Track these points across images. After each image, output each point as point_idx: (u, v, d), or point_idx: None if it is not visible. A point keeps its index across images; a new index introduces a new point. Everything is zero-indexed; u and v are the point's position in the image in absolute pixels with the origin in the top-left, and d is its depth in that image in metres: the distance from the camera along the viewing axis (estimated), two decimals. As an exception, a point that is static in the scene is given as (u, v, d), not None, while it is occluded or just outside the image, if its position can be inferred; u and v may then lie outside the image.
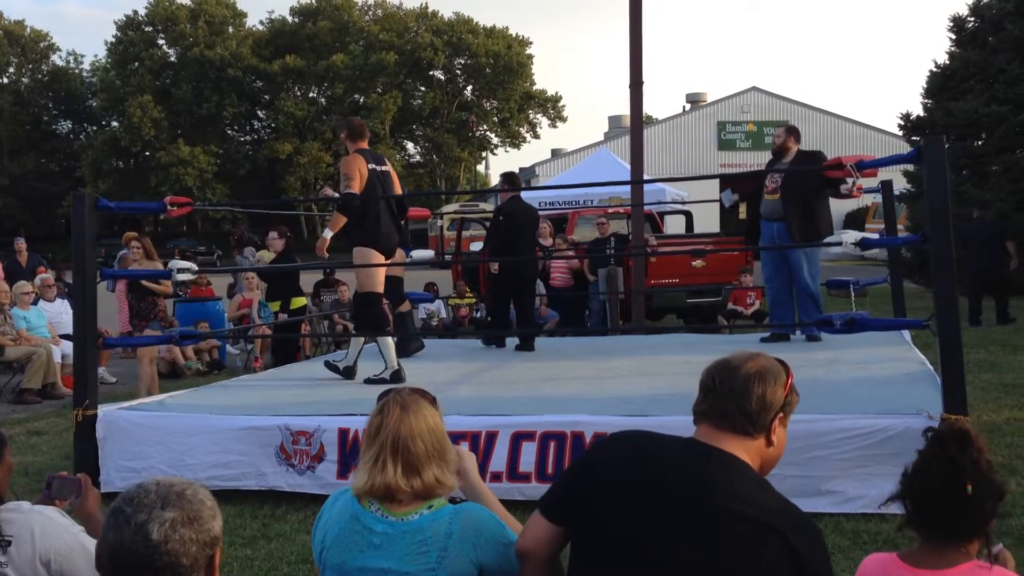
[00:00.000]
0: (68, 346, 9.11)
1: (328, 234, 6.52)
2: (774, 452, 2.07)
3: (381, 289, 6.71)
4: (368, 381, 6.47)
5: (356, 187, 6.36)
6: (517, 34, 59.39)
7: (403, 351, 8.04)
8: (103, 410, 5.41)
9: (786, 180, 7.60)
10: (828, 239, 5.55)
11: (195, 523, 1.59)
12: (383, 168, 6.71)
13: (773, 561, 1.82)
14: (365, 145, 6.71)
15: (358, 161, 6.44)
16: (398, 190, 6.96)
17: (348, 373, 6.68)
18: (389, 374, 6.44)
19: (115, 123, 56.46)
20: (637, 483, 1.97)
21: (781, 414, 2.05)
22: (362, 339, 6.75)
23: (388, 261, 6.84)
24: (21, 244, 12.63)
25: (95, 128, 58.92)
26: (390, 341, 6.59)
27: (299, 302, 10.55)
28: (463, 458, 2.46)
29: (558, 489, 2.14)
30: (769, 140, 44.27)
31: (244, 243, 14.21)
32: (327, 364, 6.86)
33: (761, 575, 1.84)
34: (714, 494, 1.89)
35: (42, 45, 59.82)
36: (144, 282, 8.51)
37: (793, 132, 7.95)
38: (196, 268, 6.09)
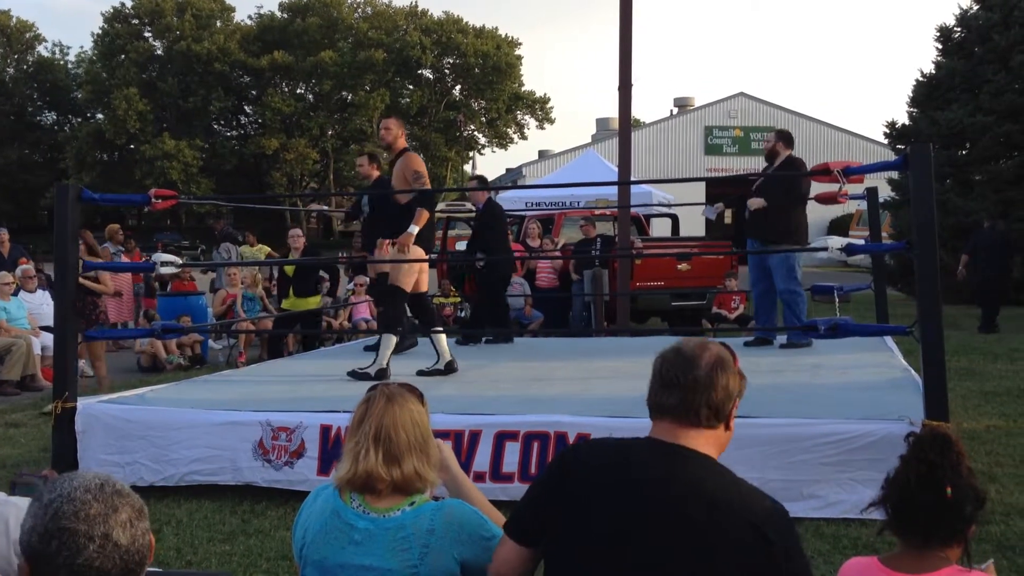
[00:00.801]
0: (48, 338, 9.04)
1: (415, 229, 6.50)
2: (729, 436, 2.08)
3: (409, 288, 6.76)
4: (351, 374, 6.47)
5: (428, 183, 6.53)
6: (506, 35, 59.43)
7: (397, 347, 8.06)
8: (82, 403, 5.36)
9: (761, 185, 7.65)
10: (814, 244, 5.56)
11: (141, 514, 1.57)
12: None
13: (750, 555, 1.83)
14: None
15: (421, 160, 6.61)
16: None
17: (381, 375, 6.47)
18: (375, 371, 6.42)
19: (100, 115, 56.05)
20: (618, 492, 1.95)
21: (737, 399, 2.05)
22: (393, 339, 6.64)
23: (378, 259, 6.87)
24: (3, 235, 12.49)
25: (80, 120, 58.51)
26: (392, 341, 6.60)
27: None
28: (440, 449, 2.45)
29: (525, 511, 2.10)
30: (756, 145, 44.13)
31: (223, 238, 14.12)
32: (352, 373, 6.53)
33: (739, 569, 1.84)
34: (696, 497, 1.88)
35: (27, 36, 59.36)
36: (81, 280, 7.78)
37: (783, 137, 7.86)
38: (180, 261, 6.04)
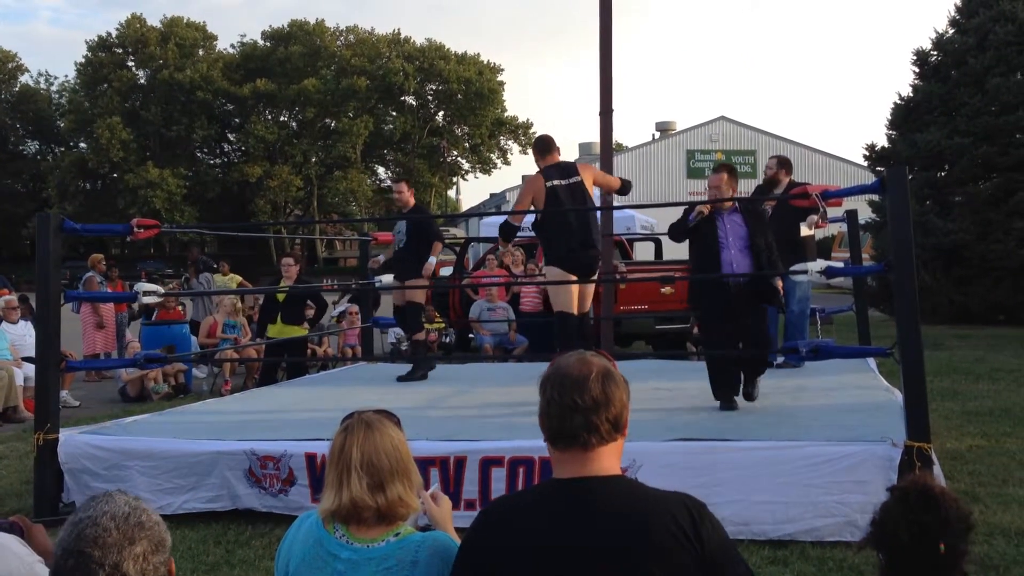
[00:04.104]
0: (31, 369, 8.96)
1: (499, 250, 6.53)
2: (624, 439, 2.06)
3: (571, 308, 6.36)
4: None
5: (520, 208, 6.30)
6: (489, 61, 59.86)
7: (412, 375, 8.13)
8: (64, 434, 5.33)
9: (775, 211, 7.69)
10: (794, 267, 5.60)
11: (160, 547, 1.60)
12: (572, 180, 6.41)
13: (682, 551, 1.86)
14: (555, 159, 6.50)
15: (529, 184, 6.31)
16: (593, 194, 6.68)
17: None
18: None
19: (83, 144, 55.99)
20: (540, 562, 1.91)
21: (628, 403, 2.05)
22: None
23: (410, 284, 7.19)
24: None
25: (62, 149, 58.39)
26: None
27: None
28: (439, 500, 2.44)
29: None
30: (738, 169, 44.44)
31: (200, 267, 14.06)
32: None
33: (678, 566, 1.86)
34: (646, 552, 1.87)
35: (10, 66, 59.30)
36: None
37: (785, 164, 7.96)
38: (162, 291, 6.02)
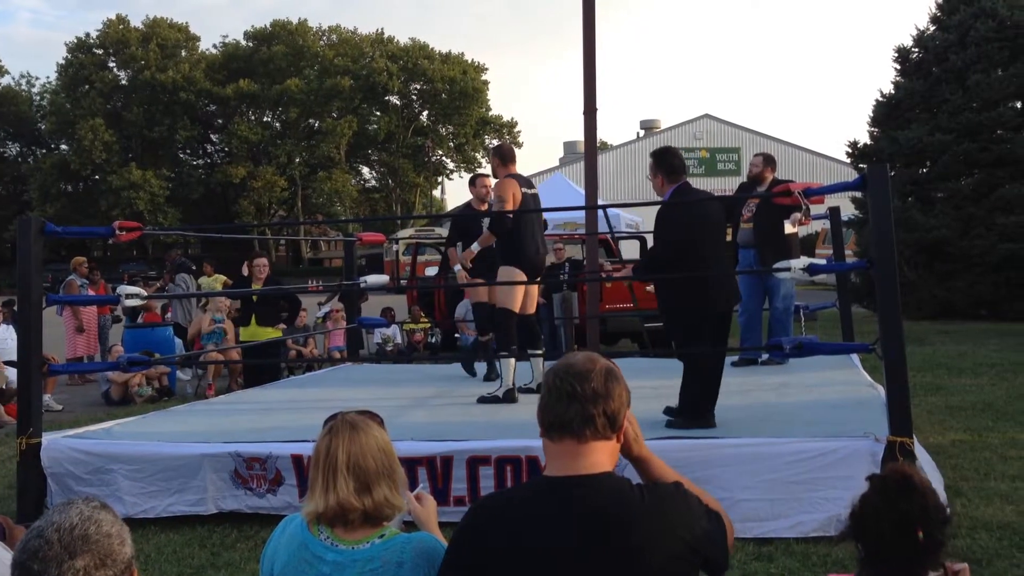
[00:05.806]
0: (13, 373, 8.90)
1: (476, 247, 6.79)
2: (619, 447, 2.07)
3: (516, 308, 6.73)
4: (482, 400, 6.52)
5: (509, 209, 6.51)
6: (473, 60, 59.77)
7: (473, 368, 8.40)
8: (47, 438, 5.29)
9: (759, 208, 7.77)
10: (777, 264, 5.62)
11: (107, 560, 1.53)
12: (533, 191, 6.86)
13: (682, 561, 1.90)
14: (515, 169, 6.85)
15: (512, 185, 6.60)
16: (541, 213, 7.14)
17: (509, 397, 6.51)
18: (503, 393, 6.48)
19: (65, 146, 55.61)
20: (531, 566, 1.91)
21: (627, 409, 2.05)
22: (513, 360, 6.62)
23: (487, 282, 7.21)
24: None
25: (44, 151, 57.97)
26: (513, 361, 6.59)
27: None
28: (424, 501, 2.44)
29: None
30: (722, 166, 44.50)
31: (177, 269, 13.98)
32: (481, 399, 6.60)
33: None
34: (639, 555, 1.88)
35: (-11, 67, 58.82)
36: None
37: (770, 162, 8.12)
38: (145, 293, 5.99)
